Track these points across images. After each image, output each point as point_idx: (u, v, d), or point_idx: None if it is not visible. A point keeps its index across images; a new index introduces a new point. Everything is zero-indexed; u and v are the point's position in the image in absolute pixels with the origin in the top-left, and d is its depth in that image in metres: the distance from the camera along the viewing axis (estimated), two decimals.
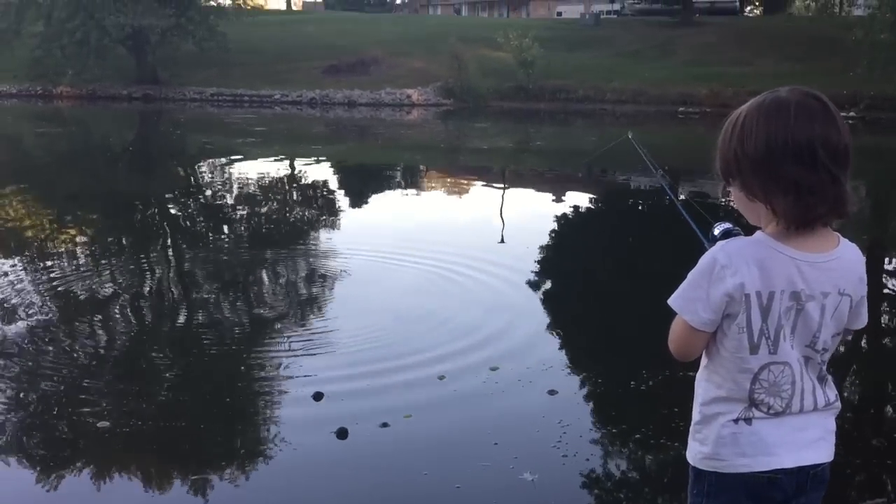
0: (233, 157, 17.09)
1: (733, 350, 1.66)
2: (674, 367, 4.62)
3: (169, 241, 9.29)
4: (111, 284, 6.90)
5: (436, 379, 4.68)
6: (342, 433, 3.99)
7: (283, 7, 59.04)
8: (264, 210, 11.39)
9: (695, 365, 1.81)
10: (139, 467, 3.80)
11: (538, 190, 13.71)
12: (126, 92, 35.11)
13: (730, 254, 1.62)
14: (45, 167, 16.25)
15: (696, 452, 1.75)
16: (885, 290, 7.13)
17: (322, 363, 4.97)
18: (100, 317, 5.98)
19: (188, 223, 10.52)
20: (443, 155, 19.36)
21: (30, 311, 5.93)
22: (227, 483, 3.64)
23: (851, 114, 25.14)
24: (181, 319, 6.17)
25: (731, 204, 1.78)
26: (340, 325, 5.75)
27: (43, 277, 6.98)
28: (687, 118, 27.14)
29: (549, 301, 6.63)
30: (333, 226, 10.13)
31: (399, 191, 13.86)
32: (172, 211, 11.36)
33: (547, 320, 6.15)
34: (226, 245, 8.95)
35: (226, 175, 14.89)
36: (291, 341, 5.40)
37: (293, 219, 10.92)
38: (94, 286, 6.78)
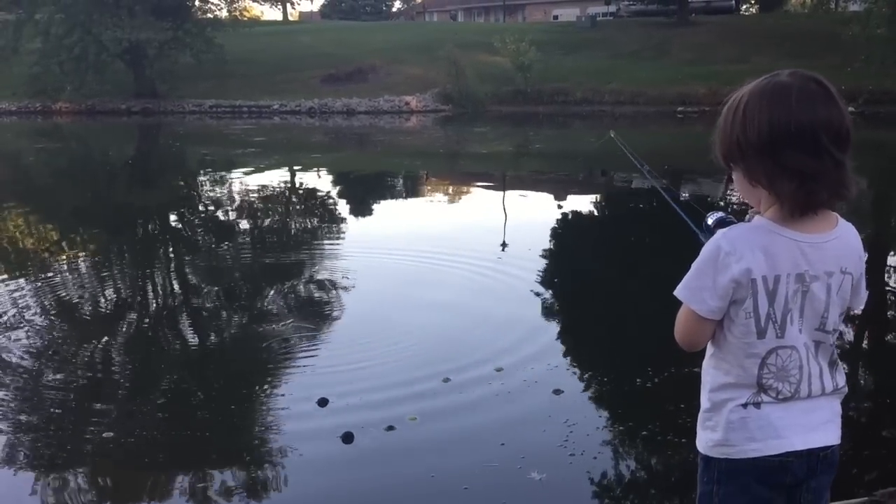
0: (233, 168, 17.11)
1: (740, 335, 1.65)
2: (679, 364, 4.62)
3: (171, 251, 9.29)
4: (114, 295, 6.91)
5: (440, 381, 4.66)
6: (348, 438, 3.97)
7: (280, 18, 59.15)
8: (265, 219, 11.39)
9: (699, 360, 1.80)
10: (144, 476, 3.78)
11: (539, 192, 13.70)
12: (125, 106, 35.20)
13: (733, 240, 1.62)
14: (44, 183, 16.27)
15: (707, 440, 1.74)
16: (892, 282, 7.11)
17: (326, 368, 4.95)
18: (103, 328, 5.97)
19: (189, 234, 10.52)
20: (442, 160, 19.37)
21: (33, 324, 5.92)
22: (233, 491, 3.62)
23: (850, 108, 24.98)
24: (185, 328, 6.16)
25: (733, 195, 1.77)
26: (343, 330, 5.75)
27: (46, 290, 6.97)
28: (686, 118, 27.16)
29: (553, 300, 6.61)
30: (335, 232, 10.12)
31: (399, 196, 13.86)
32: (173, 223, 11.37)
33: (551, 319, 6.13)
34: (228, 254, 8.95)
35: (226, 186, 14.89)
36: (295, 347, 5.39)
37: (294, 227, 10.92)
38: (96, 298, 6.78)
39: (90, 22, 34.01)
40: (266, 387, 4.81)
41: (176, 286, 7.62)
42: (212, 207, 12.50)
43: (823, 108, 1.54)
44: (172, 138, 26.40)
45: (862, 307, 1.75)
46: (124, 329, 6.08)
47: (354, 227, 10.40)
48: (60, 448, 4.01)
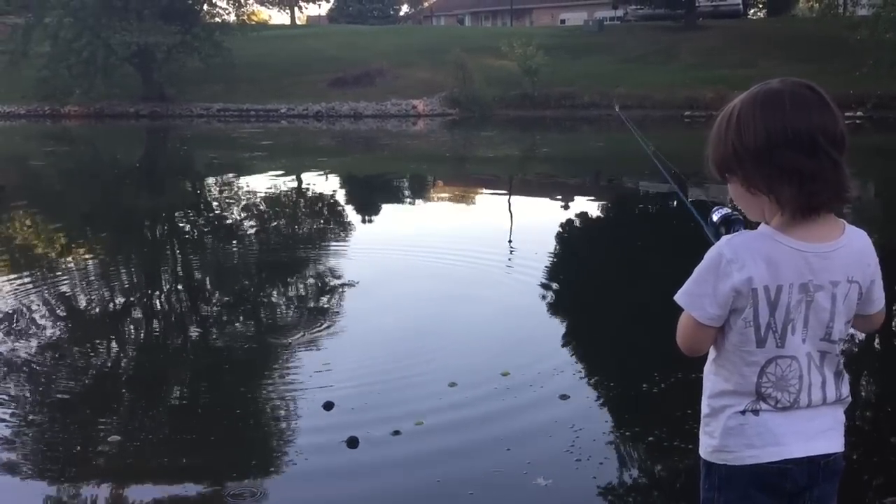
0: (240, 172, 17.16)
1: (739, 344, 1.65)
2: (685, 369, 4.60)
3: (178, 254, 9.31)
4: (121, 299, 6.93)
5: (446, 385, 4.65)
6: (353, 442, 3.96)
7: (288, 22, 59.35)
8: (271, 222, 11.41)
9: (705, 365, 1.79)
10: (150, 480, 3.77)
11: (545, 196, 13.69)
12: (133, 109, 35.37)
13: (736, 248, 1.61)
14: (53, 186, 16.33)
15: (706, 445, 1.74)
16: None
17: (331, 372, 4.94)
18: (109, 330, 5.98)
19: (195, 237, 10.53)
20: (449, 164, 19.39)
21: (40, 326, 5.94)
22: (238, 494, 3.61)
23: (859, 113, 25.09)
24: (190, 331, 6.16)
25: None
26: (349, 333, 5.74)
27: (53, 292, 6.99)
28: (693, 122, 27.10)
29: (558, 305, 6.59)
30: (340, 234, 10.12)
31: (406, 200, 13.86)
32: (180, 225, 11.39)
33: (557, 324, 6.12)
34: (235, 257, 8.96)
35: (233, 189, 14.93)
36: (301, 351, 5.38)
37: (300, 230, 10.92)
38: (103, 300, 6.80)
39: (99, 26, 34.19)
40: (271, 390, 4.80)
41: (182, 289, 7.62)
42: (218, 210, 12.53)
43: (818, 113, 1.54)
44: (180, 142, 26.48)
45: (876, 311, 1.74)
46: (130, 332, 6.10)
47: (360, 229, 10.40)
48: (65, 451, 4.01)
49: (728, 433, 1.67)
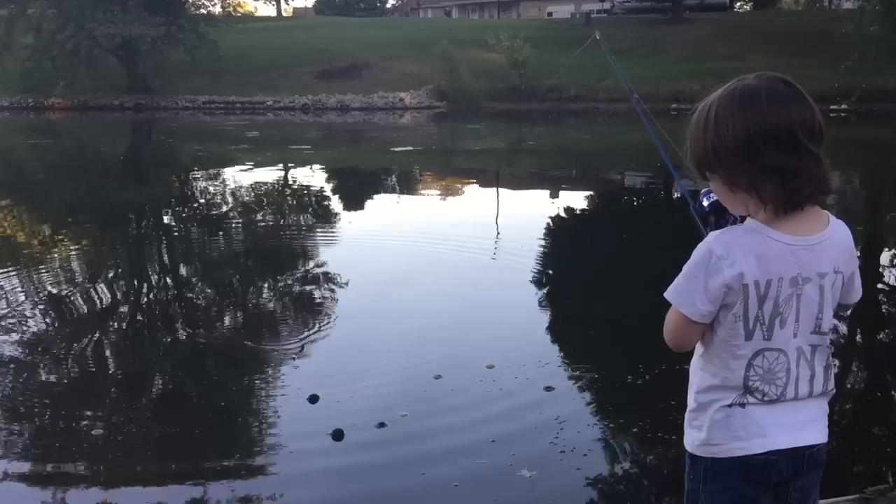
0: (225, 164, 17.06)
1: (727, 338, 1.65)
2: (670, 361, 4.60)
3: (163, 247, 9.25)
4: (106, 292, 6.87)
5: (432, 378, 4.65)
6: (338, 435, 3.96)
7: (274, 13, 58.97)
8: (256, 214, 11.35)
9: (690, 357, 1.79)
10: (134, 474, 3.76)
11: (532, 189, 13.70)
12: (118, 102, 35.10)
13: (726, 244, 1.60)
14: (37, 178, 16.19)
15: (693, 439, 1.74)
16: (883, 280, 7.12)
17: (316, 365, 4.94)
18: (94, 325, 5.94)
19: (180, 230, 10.48)
20: (436, 157, 19.35)
21: (24, 321, 5.89)
22: (222, 488, 3.59)
23: (844, 106, 25.24)
24: (175, 325, 6.12)
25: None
26: (334, 327, 5.72)
27: (38, 287, 6.93)
28: (680, 115, 27.09)
29: (544, 297, 6.60)
30: (326, 227, 10.09)
31: (391, 192, 13.81)
32: (165, 219, 11.32)
33: (542, 316, 6.13)
34: (220, 250, 8.92)
35: (218, 182, 14.85)
36: (285, 344, 5.36)
37: (285, 222, 10.88)
38: (88, 295, 6.74)
39: (83, 17, 33.87)
40: (256, 383, 4.79)
41: (166, 282, 7.59)
42: (203, 203, 12.46)
43: (795, 107, 1.54)
44: (165, 134, 26.31)
45: (856, 301, 1.74)
46: (115, 326, 6.06)
47: (346, 223, 10.36)
48: (51, 446, 3.99)
49: (715, 426, 1.68)
